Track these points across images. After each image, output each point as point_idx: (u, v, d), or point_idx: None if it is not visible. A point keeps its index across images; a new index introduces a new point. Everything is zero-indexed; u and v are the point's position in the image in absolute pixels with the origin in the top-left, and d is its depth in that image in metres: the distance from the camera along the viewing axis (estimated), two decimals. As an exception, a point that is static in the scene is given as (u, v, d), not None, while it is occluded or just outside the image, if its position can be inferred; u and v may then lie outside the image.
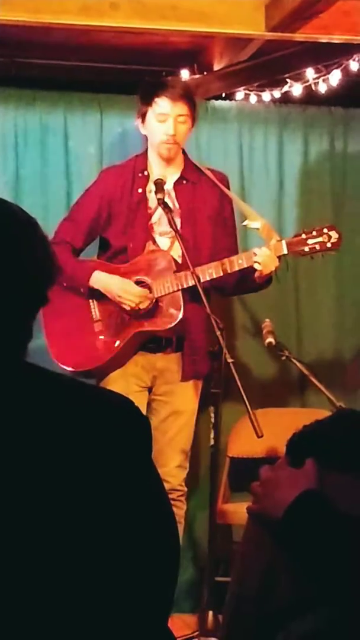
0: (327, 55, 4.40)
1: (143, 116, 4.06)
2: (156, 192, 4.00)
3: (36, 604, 1.43)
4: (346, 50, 4.28)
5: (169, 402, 4.11)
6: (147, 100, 4.03)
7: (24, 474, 1.45)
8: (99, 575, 1.46)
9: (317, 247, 4.00)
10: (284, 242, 4.01)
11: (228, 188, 4.23)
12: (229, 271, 3.95)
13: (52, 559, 1.44)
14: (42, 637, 1.42)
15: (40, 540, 1.43)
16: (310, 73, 4.51)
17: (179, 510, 4.06)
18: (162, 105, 4.00)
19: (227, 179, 4.27)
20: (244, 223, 4.15)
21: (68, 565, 1.44)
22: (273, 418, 4.35)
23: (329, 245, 4.01)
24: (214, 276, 3.95)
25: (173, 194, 4.11)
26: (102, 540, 1.46)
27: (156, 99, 4.00)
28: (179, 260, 4.00)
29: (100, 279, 4.05)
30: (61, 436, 1.48)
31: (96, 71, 4.66)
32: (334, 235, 4.01)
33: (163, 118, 4.00)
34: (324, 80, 4.51)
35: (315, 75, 4.51)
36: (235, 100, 4.81)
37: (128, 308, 3.98)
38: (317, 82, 4.52)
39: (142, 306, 3.97)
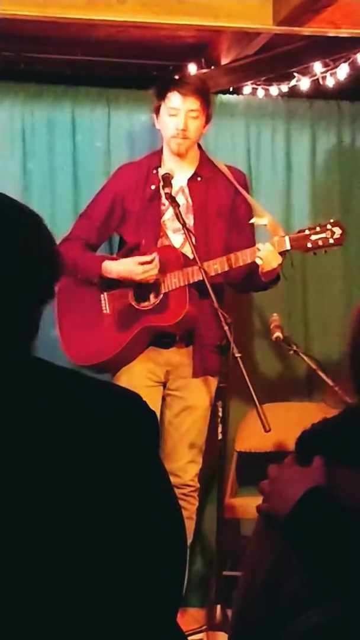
0: (334, 49, 4.38)
1: (157, 111, 4.08)
2: (163, 187, 3.99)
3: (44, 598, 1.43)
4: (354, 44, 4.26)
5: (182, 397, 4.11)
6: (161, 95, 4.06)
7: (28, 468, 1.45)
8: (106, 570, 1.46)
9: (320, 242, 3.95)
10: (287, 237, 3.98)
11: (245, 186, 4.22)
12: (233, 266, 3.95)
13: (58, 554, 1.44)
14: (52, 632, 1.43)
15: (46, 534, 1.44)
16: (317, 67, 4.49)
17: (191, 506, 4.06)
18: (174, 99, 4.02)
19: (245, 177, 4.27)
20: (252, 220, 4.14)
21: (74, 561, 1.45)
22: (281, 412, 4.36)
23: (331, 241, 3.95)
24: (219, 271, 3.93)
25: (187, 190, 4.12)
26: (108, 536, 1.47)
27: (168, 94, 4.03)
28: (191, 257, 3.99)
29: (112, 266, 4.06)
30: (66, 430, 1.49)
31: (103, 66, 4.65)
32: (338, 231, 3.97)
33: (174, 112, 4.01)
34: (331, 74, 4.49)
35: (323, 69, 4.49)
36: (242, 94, 4.80)
37: (143, 279, 3.96)
38: (325, 76, 4.50)
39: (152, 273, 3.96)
